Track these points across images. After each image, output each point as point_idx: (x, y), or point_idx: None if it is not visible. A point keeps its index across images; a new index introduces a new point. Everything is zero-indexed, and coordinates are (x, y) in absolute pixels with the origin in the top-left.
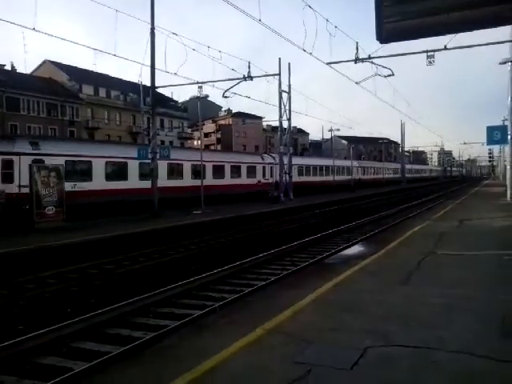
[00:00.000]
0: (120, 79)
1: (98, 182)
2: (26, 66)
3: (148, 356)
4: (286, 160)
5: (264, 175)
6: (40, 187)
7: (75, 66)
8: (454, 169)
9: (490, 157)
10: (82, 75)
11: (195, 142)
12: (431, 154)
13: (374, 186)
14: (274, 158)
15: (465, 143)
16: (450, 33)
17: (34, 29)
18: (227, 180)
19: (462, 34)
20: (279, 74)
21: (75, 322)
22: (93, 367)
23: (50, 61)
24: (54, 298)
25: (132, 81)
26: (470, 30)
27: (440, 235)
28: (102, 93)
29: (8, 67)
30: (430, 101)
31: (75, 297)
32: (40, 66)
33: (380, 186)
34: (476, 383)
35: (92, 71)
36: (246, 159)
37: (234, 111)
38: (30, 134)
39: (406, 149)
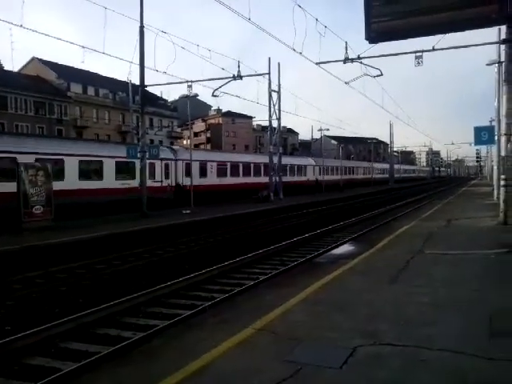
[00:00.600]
0: (109, 78)
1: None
2: (13, 64)
3: (137, 356)
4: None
5: (154, 176)
6: (27, 186)
7: (63, 63)
8: (442, 169)
9: (477, 157)
10: (70, 73)
11: (185, 141)
12: (419, 155)
13: (362, 186)
14: (175, 151)
15: (453, 143)
16: (437, 33)
17: (21, 25)
18: (72, 183)
19: (451, 34)
20: (269, 74)
21: (63, 322)
22: (82, 367)
23: (37, 58)
24: (42, 298)
25: (121, 79)
26: (457, 30)
27: (428, 235)
28: (91, 91)
29: None
30: (420, 101)
31: (63, 297)
32: (28, 63)
33: (368, 185)
34: (464, 381)
35: (81, 69)
36: (113, 152)
37: (224, 110)
38: (17, 131)
39: (394, 149)
